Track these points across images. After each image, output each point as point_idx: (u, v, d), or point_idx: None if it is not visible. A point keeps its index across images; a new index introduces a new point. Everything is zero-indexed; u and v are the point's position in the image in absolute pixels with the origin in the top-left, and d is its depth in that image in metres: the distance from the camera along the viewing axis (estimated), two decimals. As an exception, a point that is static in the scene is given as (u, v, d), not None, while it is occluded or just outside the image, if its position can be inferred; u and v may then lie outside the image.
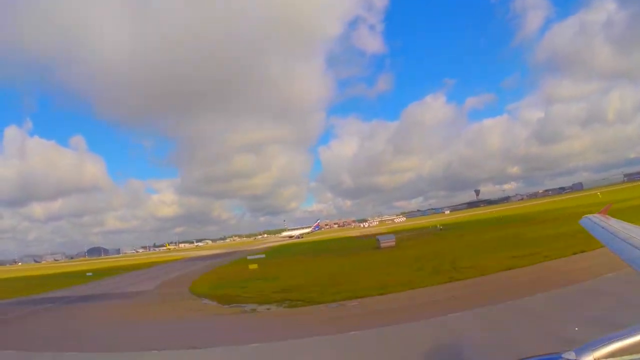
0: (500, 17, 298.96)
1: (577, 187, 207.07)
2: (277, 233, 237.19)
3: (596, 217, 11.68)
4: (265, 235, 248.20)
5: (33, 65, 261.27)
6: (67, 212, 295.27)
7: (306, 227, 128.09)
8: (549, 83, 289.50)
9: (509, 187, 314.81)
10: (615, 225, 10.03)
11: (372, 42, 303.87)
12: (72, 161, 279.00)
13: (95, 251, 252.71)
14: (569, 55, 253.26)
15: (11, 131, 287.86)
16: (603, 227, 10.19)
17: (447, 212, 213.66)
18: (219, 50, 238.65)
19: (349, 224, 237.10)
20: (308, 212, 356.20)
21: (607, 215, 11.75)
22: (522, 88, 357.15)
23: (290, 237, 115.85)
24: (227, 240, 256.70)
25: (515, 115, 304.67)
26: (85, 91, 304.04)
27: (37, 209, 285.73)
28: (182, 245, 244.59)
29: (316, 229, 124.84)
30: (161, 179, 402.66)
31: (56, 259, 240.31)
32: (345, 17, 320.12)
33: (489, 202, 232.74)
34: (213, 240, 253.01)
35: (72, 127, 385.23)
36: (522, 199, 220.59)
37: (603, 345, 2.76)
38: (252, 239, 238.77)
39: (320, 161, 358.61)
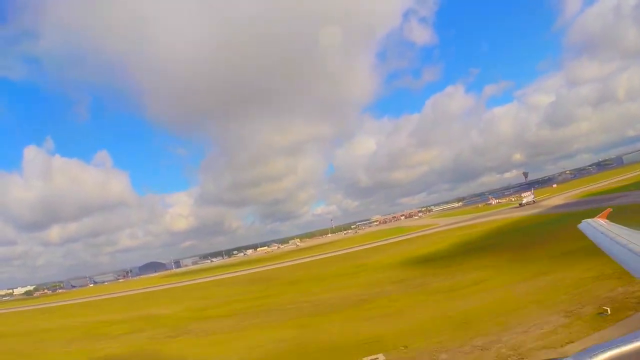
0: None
1: (618, 162, 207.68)
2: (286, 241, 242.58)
3: (595, 222, 11.72)
4: (358, 228, 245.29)
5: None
6: (100, 229, 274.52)
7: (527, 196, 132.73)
8: (567, 67, 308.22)
9: (510, 176, 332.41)
10: (615, 230, 10.03)
11: (422, 34, 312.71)
12: (96, 178, 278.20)
13: (151, 266, 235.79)
14: (593, 39, 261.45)
15: (32, 151, 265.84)
16: (602, 232, 10.21)
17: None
18: (268, 51, 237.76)
19: (415, 214, 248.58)
20: (316, 215, 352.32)
21: (606, 220, 11.95)
22: (537, 73, 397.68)
23: (527, 203, 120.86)
24: (290, 243, 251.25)
25: (527, 101, 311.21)
26: (132, 95, 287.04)
27: (69, 228, 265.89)
28: (249, 251, 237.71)
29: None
30: (188, 189, 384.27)
31: (117, 277, 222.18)
32: (398, 11, 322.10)
33: (539, 184, 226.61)
34: (282, 243, 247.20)
35: (96, 142, 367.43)
36: (573, 178, 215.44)
37: (601, 351, 2.82)
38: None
39: (337, 160, 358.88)
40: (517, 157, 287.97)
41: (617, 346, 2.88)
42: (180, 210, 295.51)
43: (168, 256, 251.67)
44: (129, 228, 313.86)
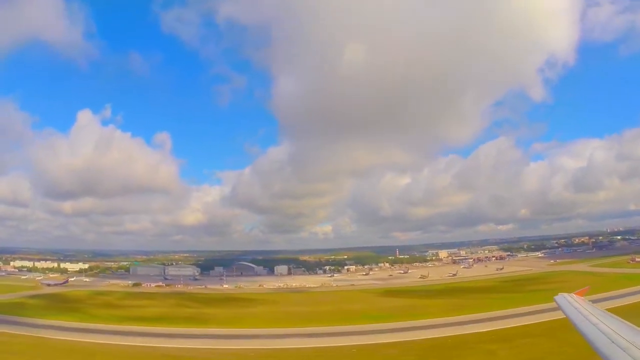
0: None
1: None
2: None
3: (572, 297, 11.90)
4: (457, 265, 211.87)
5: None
6: (118, 210, 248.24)
7: None
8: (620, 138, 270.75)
9: (503, 228, 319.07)
10: (589, 308, 10.29)
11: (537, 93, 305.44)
12: (148, 160, 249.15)
13: (236, 268, 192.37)
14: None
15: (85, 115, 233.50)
16: (576, 308, 10.51)
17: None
18: (397, 74, 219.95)
19: (504, 258, 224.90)
20: (312, 233, 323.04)
21: (582, 297, 11.99)
22: (580, 136, 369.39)
23: None
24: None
25: (562, 161, 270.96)
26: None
27: (87, 202, 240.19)
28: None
29: None
30: (219, 185, 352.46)
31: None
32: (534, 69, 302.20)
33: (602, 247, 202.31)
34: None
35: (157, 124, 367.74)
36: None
37: None
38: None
39: (371, 185, 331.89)
40: (523, 212, 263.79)
41: None
42: (198, 204, 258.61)
43: (156, 246, 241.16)
44: (144, 214, 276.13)
